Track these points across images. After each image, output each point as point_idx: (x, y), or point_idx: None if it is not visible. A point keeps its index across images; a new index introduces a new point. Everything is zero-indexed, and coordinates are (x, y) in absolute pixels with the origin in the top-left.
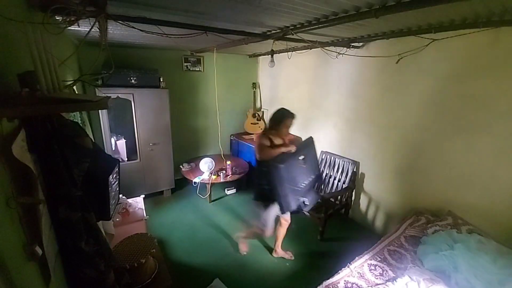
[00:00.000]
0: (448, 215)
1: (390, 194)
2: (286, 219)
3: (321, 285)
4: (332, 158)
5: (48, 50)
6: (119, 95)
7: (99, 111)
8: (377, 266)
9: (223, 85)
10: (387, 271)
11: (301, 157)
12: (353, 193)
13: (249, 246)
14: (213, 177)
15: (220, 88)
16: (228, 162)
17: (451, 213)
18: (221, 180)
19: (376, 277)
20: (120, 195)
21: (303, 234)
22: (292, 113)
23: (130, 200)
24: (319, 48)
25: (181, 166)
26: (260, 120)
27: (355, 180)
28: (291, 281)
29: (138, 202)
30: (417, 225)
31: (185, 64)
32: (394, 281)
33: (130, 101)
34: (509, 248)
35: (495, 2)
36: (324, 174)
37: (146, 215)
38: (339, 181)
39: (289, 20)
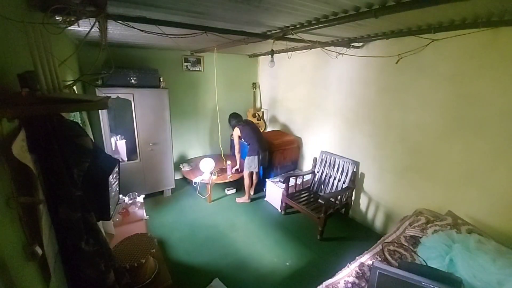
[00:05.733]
0: (448, 215)
1: (390, 194)
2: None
3: (321, 285)
4: (332, 158)
5: (48, 50)
6: (119, 95)
7: (99, 111)
8: None
9: (223, 85)
10: None
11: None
12: (353, 193)
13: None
14: (213, 177)
15: (220, 88)
16: (228, 162)
17: (451, 213)
18: (221, 180)
19: None
20: (120, 195)
21: (303, 234)
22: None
23: (130, 200)
24: (319, 48)
25: (181, 166)
26: (260, 120)
27: (355, 180)
28: (291, 281)
29: (138, 202)
30: (417, 225)
31: (185, 64)
32: None
33: (130, 101)
34: (509, 248)
35: (494, 2)
36: (324, 174)
37: (146, 215)
38: (339, 181)
39: (289, 20)
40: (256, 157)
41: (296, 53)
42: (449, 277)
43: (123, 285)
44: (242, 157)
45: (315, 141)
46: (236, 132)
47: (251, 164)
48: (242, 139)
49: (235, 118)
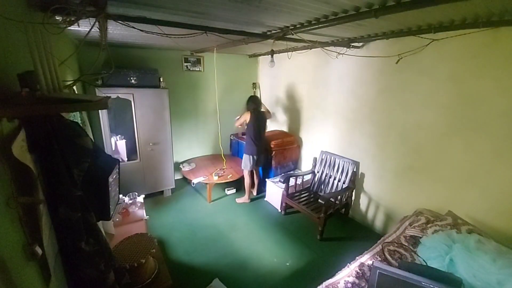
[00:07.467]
0: (448, 215)
1: (390, 194)
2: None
3: (321, 285)
4: (332, 158)
5: (48, 50)
6: (119, 95)
7: (99, 111)
8: None
9: (223, 85)
10: None
11: None
12: (353, 193)
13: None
14: (215, 177)
15: (220, 88)
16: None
17: (451, 213)
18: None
19: None
20: (120, 195)
21: (303, 234)
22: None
23: (130, 200)
24: (319, 48)
25: (181, 166)
26: None
27: (355, 180)
28: (291, 281)
29: (138, 202)
30: (417, 225)
31: (185, 64)
32: None
33: (130, 101)
34: (509, 248)
35: (494, 2)
36: (324, 174)
37: (146, 215)
38: (339, 181)
39: (289, 20)
40: (251, 157)
41: (296, 53)
42: (449, 277)
43: (123, 285)
44: (240, 156)
45: (315, 141)
46: (246, 116)
47: (247, 163)
48: (245, 126)
49: (254, 104)
